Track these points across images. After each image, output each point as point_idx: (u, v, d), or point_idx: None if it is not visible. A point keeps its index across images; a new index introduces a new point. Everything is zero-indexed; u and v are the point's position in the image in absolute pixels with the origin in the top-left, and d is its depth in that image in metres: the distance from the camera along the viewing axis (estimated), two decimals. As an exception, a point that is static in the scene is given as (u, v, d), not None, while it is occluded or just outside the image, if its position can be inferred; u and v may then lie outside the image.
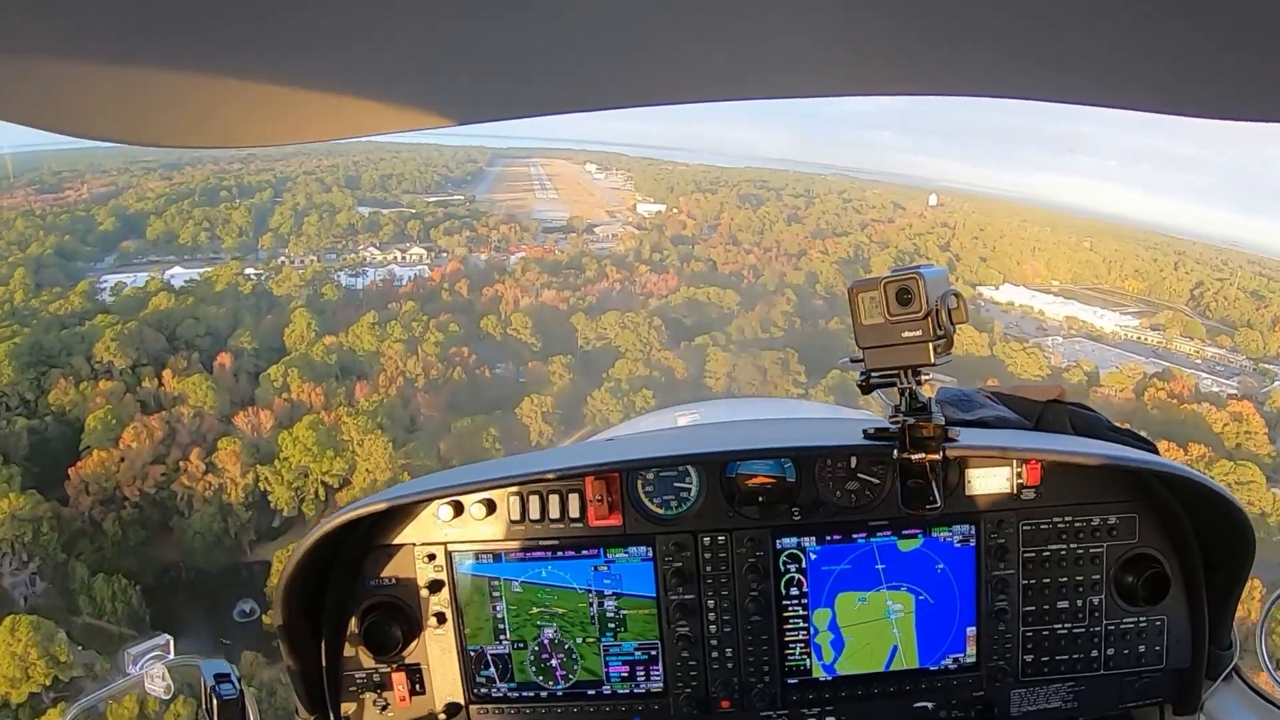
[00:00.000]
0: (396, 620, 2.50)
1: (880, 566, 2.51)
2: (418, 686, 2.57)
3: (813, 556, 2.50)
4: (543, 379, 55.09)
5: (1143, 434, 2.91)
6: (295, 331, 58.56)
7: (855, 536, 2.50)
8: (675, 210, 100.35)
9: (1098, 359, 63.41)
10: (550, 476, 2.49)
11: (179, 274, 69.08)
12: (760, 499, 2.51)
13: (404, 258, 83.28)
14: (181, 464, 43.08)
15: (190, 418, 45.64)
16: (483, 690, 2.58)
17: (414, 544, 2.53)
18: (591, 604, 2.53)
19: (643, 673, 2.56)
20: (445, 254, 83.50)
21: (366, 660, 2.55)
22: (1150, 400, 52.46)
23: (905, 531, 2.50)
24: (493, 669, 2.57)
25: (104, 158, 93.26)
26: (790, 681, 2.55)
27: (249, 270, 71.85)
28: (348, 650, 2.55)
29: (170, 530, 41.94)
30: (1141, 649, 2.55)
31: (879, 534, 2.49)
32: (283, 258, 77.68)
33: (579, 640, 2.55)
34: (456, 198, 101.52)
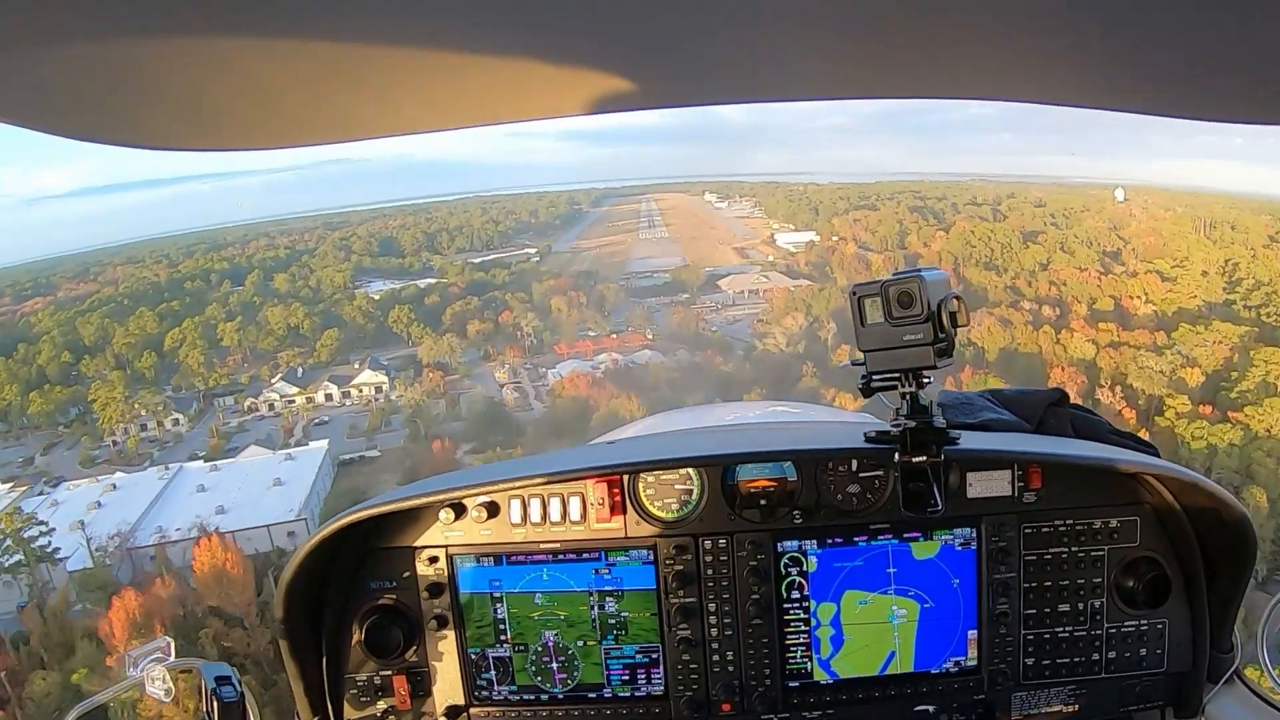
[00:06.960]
0: (397, 623, 2.50)
1: (891, 570, 2.50)
2: (419, 689, 2.58)
3: (814, 559, 2.51)
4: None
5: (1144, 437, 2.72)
6: None
7: (857, 539, 2.50)
8: (836, 238, 74.37)
9: None
10: (552, 479, 2.50)
11: None
12: (762, 502, 2.52)
13: (338, 396, 45.04)
14: None
15: None
16: (484, 693, 2.60)
17: (415, 547, 2.54)
18: (592, 607, 2.53)
19: (643, 676, 2.56)
20: (419, 377, 47.67)
21: (367, 663, 2.55)
22: None
23: (907, 535, 2.50)
24: (493, 672, 2.58)
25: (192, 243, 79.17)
26: (791, 685, 2.55)
27: None
28: (348, 654, 2.55)
29: None
30: (1143, 652, 2.56)
31: (880, 537, 2.50)
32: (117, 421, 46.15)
33: (579, 643, 2.55)
34: (525, 250, 69.71)
